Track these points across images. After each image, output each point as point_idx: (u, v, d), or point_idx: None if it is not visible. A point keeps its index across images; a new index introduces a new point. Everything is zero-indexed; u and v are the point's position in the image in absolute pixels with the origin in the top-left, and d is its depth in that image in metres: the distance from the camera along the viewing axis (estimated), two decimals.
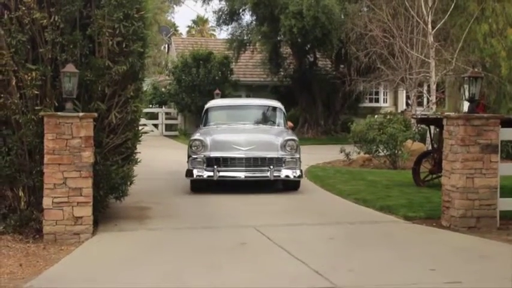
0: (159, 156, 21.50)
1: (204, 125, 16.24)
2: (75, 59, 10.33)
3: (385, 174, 18.11)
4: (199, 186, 14.54)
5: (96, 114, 10.10)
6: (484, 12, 22.21)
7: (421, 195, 13.85)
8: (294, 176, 14.47)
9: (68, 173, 9.63)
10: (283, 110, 16.97)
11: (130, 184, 11.32)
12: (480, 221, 10.72)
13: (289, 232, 10.24)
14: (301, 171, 14.67)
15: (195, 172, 14.27)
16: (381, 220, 11.59)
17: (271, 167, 14.21)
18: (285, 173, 14.37)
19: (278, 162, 14.32)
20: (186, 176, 14.43)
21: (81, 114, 9.81)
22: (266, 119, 16.90)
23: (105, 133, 10.61)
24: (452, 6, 22.42)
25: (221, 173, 14.20)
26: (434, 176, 14.99)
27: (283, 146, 14.44)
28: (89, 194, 9.74)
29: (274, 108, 17.07)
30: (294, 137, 14.96)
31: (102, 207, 10.86)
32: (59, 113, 9.79)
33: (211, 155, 14.24)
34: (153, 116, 37.95)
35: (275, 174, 14.25)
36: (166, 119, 38.09)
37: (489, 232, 10.49)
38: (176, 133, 36.54)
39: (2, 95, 10.06)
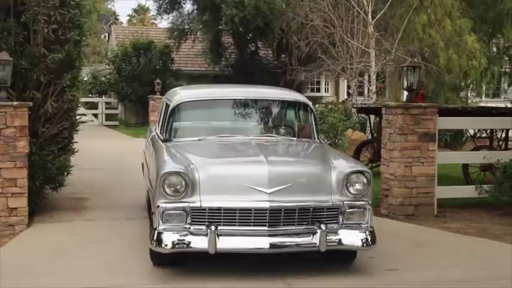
0: (98, 146, 21.20)
1: (174, 136, 8.94)
2: (9, 46, 10.11)
3: None
4: (173, 261, 7.73)
5: (31, 103, 9.88)
6: (422, 2, 22.51)
7: None
8: (363, 243, 7.47)
9: (2, 164, 9.40)
10: (314, 109, 9.64)
11: (67, 174, 11.14)
12: (418, 209, 10.86)
13: None
14: (372, 231, 7.58)
15: (171, 238, 7.22)
16: None
17: (321, 225, 7.28)
18: (347, 237, 7.43)
19: (332, 215, 7.45)
20: (153, 242, 7.32)
21: (15, 103, 9.57)
22: (288, 126, 9.67)
23: (40, 122, 10.41)
24: None
25: (224, 241, 7.18)
26: (373, 164, 15.12)
27: (345, 185, 7.52)
28: (24, 184, 9.53)
29: (301, 106, 9.59)
30: (363, 168, 7.89)
31: (38, 198, 10.65)
32: None
33: (205, 204, 7.24)
34: (93, 106, 37.45)
35: (330, 239, 7.33)
36: (106, 108, 37.61)
37: (427, 220, 10.63)
38: (116, 123, 36.13)
39: None
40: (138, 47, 33.99)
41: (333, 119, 19.22)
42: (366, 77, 26.72)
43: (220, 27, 32.13)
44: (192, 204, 7.16)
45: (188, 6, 34.04)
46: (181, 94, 9.86)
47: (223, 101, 9.47)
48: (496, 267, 7.97)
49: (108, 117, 37.20)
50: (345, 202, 7.37)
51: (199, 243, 7.12)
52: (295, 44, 26.58)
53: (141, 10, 70.19)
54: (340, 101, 32.75)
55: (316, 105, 21.99)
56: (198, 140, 8.64)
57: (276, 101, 9.59)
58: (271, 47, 34.86)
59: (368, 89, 25.60)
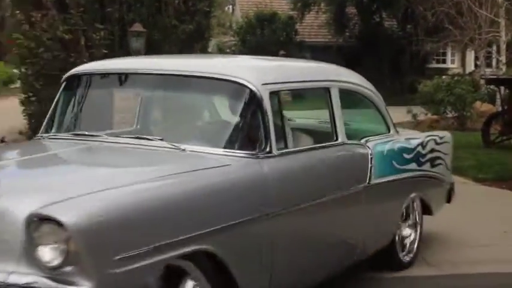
0: None
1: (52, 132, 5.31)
2: (142, 18, 10.38)
3: (453, 135, 17.78)
4: None
5: None
6: None
7: (491, 156, 13.55)
8: None
9: None
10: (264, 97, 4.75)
11: None
12: None
13: None
14: None
15: None
16: None
17: None
18: None
19: None
20: None
21: None
22: (193, 122, 5.43)
23: None
24: None
25: None
26: (504, 137, 14.66)
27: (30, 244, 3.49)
28: None
29: (234, 90, 4.85)
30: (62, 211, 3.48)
31: None
32: None
33: None
34: None
35: None
36: None
37: None
38: None
39: (72, 55, 10.17)
40: (262, 18, 34.14)
41: (461, 91, 18.82)
42: (495, 48, 25.91)
43: None
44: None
45: None
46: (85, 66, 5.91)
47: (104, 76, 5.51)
48: None
49: None
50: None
51: None
52: (420, 14, 26.05)
53: None
54: (467, 72, 31.91)
55: (443, 77, 21.56)
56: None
57: (186, 78, 5.04)
58: (396, 17, 34.30)
59: (497, 59, 24.82)
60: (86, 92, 5.44)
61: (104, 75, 5.45)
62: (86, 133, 4.97)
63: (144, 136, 4.87)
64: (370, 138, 5.94)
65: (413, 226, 6.61)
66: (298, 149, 5.09)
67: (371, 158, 5.68)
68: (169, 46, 10.43)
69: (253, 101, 4.69)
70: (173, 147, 4.59)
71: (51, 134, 5.23)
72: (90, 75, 5.45)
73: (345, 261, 5.58)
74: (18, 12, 10.58)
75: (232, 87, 4.80)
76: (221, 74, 4.85)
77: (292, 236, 4.76)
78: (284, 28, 34.09)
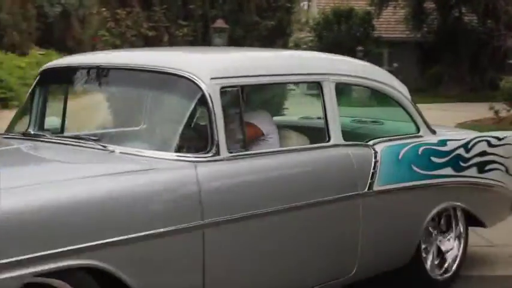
0: None
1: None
2: (224, 14, 10.47)
3: None
4: None
5: None
6: None
7: None
8: None
9: None
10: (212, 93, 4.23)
11: None
12: None
13: None
14: None
15: None
16: None
17: None
18: None
19: None
20: None
21: None
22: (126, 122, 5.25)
23: None
24: None
25: None
26: None
27: None
28: None
29: (180, 84, 4.33)
30: None
31: None
32: None
33: None
34: None
35: None
36: None
37: None
38: None
39: None
40: (339, 14, 34.02)
41: None
42: None
43: None
44: None
45: None
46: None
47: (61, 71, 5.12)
48: None
49: None
50: None
51: None
52: (502, 8, 25.54)
53: None
54: None
55: None
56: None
57: (128, 72, 4.67)
58: (476, 12, 33.65)
59: None
60: (43, 89, 5.09)
61: (60, 70, 5.06)
62: (32, 132, 4.79)
63: (80, 135, 4.64)
64: (383, 139, 5.18)
65: (455, 240, 5.77)
66: (261, 151, 4.51)
67: (375, 162, 4.93)
68: (251, 42, 10.49)
69: (199, 98, 4.15)
70: (101, 147, 4.19)
71: (4, 133, 4.96)
72: (51, 70, 5.08)
73: (317, 283, 4.68)
74: (104, 9, 10.80)
75: (176, 82, 4.28)
76: (165, 67, 4.33)
77: (233, 252, 4.09)
78: (361, 24, 33.89)
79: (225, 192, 4.04)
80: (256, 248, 4.23)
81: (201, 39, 10.41)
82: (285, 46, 11.22)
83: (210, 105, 4.08)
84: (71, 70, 4.96)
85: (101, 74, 4.66)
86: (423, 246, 5.45)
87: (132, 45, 10.28)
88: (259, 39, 10.57)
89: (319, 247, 4.64)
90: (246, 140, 4.29)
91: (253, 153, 4.37)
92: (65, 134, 4.83)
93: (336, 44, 33.48)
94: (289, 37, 11.60)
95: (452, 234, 5.76)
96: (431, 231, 5.57)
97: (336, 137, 4.78)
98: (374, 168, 4.89)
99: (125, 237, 3.53)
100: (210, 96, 4.09)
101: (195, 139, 4.21)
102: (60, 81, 5.14)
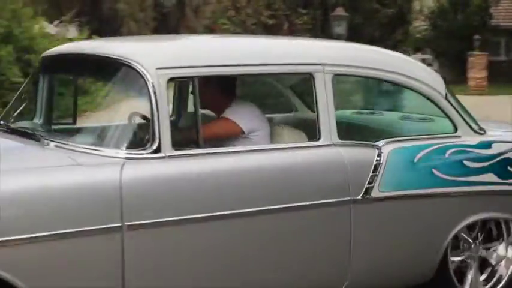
0: None
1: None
2: (344, 2, 10.45)
3: None
4: None
5: None
6: None
7: None
8: None
9: None
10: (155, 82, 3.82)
11: None
12: None
13: None
14: None
15: None
16: None
17: None
18: None
19: None
20: None
21: None
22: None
23: None
24: None
25: None
26: None
27: None
28: None
29: (127, 72, 3.96)
30: None
31: None
32: None
33: None
34: None
35: None
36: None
37: None
38: None
39: None
40: (455, 2, 33.34)
41: None
42: None
43: None
44: None
45: None
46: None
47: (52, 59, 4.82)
48: None
49: None
50: None
51: None
52: None
53: None
54: None
55: None
56: None
57: (82, 60, 4.41)
58: None
59: None
60: (32, 79, 4.90)
61: (46, 59, 4.73)
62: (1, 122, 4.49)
63: (22, 127, 4.32)
64: (397, 139, 4.51)
65: (507, 250, 4.94)
66: (219, 150, 3.98)
67: (377, 164, 4.28)
68: (371, 30, 10.42)
69: (142, 88, 3.74)
70: (38, 140, 3.88)
71: None
72: (43, 59, 4.79)
73: None
74: None
75: (120, 70, 3.94)
76: (111, 54, 4.00)
77: (160, 259, 3.62)
78: (478, 12, 33.10)
79: (153, 194, 3.59)
80: (191, 257, 3.73)
81: (320, 27, 10.42)
82: (405, 34, 11.10)
83: (153, 97, 3.67)
84: (47, 59, 4.71)
85: (59, 63, 4.53)
86: (452, 259, 4.73)
87: (252, 33, 10.40)
88: (379, 27, 10.49)
89: (284, 256, 4.07)
90: (201, 138, 3.82)
91: (208, 153, 3.87)
92: (17, 123, 4.48)
93: (450, 32, 32.89)
94: (409, 25, 11.43)
95: (503, 244, 4.97)
96: (470, 243, 4.83)
97: (327, 135, 4.19)
98: (375, 171, 4.28)
99: (21, 236, 3.18)
100: (154, 87, 3.68)
101: (137, 134, 3.83)
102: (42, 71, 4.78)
